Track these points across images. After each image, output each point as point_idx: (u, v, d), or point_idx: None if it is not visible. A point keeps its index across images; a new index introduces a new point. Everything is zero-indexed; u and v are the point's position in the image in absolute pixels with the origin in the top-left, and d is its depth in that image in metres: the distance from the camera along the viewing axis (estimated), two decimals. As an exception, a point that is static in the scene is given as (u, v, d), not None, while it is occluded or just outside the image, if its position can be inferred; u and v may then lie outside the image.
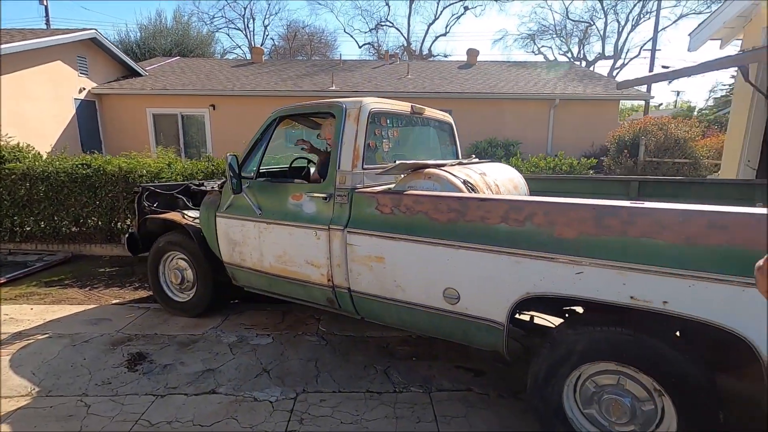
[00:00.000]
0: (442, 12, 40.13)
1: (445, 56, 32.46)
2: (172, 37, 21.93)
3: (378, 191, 2.46)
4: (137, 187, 4.03)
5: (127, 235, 3.95)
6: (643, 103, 18.49)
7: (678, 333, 1.84)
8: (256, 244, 2.94)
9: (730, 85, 27.22)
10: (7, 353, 3.03)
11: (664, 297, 1.64)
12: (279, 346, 3.17)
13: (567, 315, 2.40)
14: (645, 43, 27.80)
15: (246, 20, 33.10)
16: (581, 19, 29.51)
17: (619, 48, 28.61)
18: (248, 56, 22.72)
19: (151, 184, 4.22)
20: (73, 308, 3.88)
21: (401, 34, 32.66)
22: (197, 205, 4.04)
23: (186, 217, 3.62)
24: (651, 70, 20.17)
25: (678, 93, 37.04)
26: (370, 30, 33.16)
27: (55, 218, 5.64)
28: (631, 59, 30.21)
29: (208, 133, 12.05)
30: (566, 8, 31.35)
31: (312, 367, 2.87)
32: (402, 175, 2.65)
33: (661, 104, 30.75)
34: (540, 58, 29.07)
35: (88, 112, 11.29)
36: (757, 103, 4.46)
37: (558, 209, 1.87)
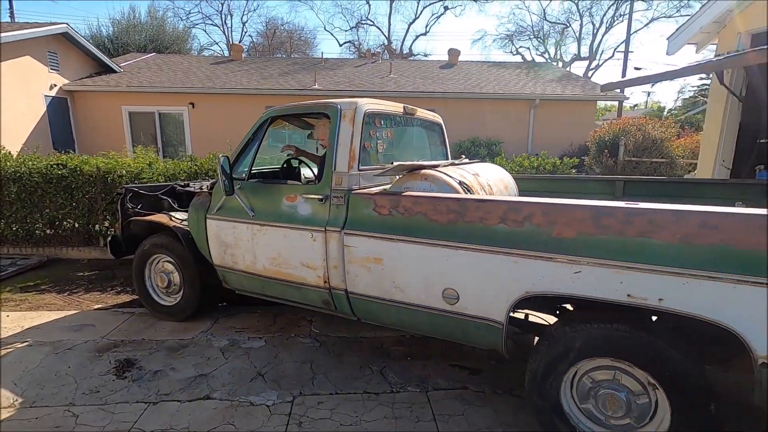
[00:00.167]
0: (422, 11, 40.33)
1: (425, 55, 32.64)
2: (147, 32, 21.32)
3: (375, 192, 2.46)
4: (120, 189, 3.91)
5: (109, 238, 3.83)
6: (615, 103, 19.05)
7: (671, 329, 1.90)
8: (248, 246, 2.90)
9: (698, 87, 28.36)
10: (-15, 363, 2.90)
11: (660, 294, 1.70)
12: (272, 348, 3.14)
13: (558, 312, 2.46)
14: (618, 45, 28.64)
15: (223, 16, 32.49)
16: (558, 21, 30.17)
17: (594, 49, 29.38)
18: (226, 53, 22.34)
19: (134, 185, 4.10)
20: (52, 314, 3.74)
21: (382, 32, 32.68)
22: (183, 207, 3.95)
23: (173, 219, 3.53)
24: (624, 71, 20.82)
25: (648, 94, 38.34)
26: (351, 28, 33.04)
27: (29, 220, 5.41)
28: (606, 60, 31.09)
29: (187, 132, 11.78)
30: (543, 10, 31.89)
31: (307, 370, 2.85)
32: (398, 177, 2.65)
33: (637, 105, 31.71)
34: (518, 59, 29.54)
35: (59, 109, 10.87)
36: (731, 105, 4.66)
37: (557, 210, 1.91)
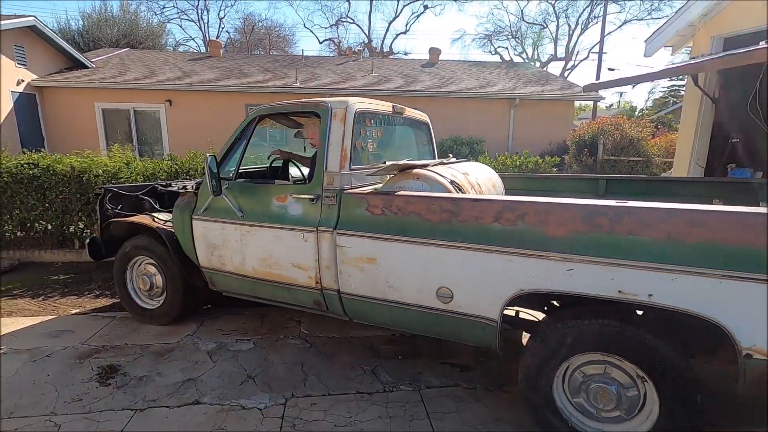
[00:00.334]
0: (402, 10, 40.35)
1: (406, 54, 32.71)
2: (120, 27, 20.62)
3: (368, 192, 2.45)
4: (98, 189, 3.78)
5: (88, 240, 3.70)
6: (590, 103, 19.54)
7: (659, 323, 1.96)
8: (237, 247, 2.85)
9: (668, 88, 29.37)
10: (-43, 373, 2.76)
11: (650, 290, 1.75)
12: (261, 351, 3.09)
13: (546, 309, 2.51)
14: (593, 46, 29.32)
15: (200, 11, 31.82)
16: (535, 22, 30.71)
17: (570, 50, 30.03)
18: (203, 49, 21.83)
19: (113, 185, 3.97)
20: (27, 320, 3.59)
21: (362, 30, 32.65)
22: (165, 207, 3.85)
23: (156, 220, 3.44)
24: (598, 72, 21.35)
25: (621, 94, 39.44)
26: (331, 26, 32.75)
27: (-2, 222, 5.17)
28: (581, 61, 31.81)
29: (164, 130, 11.47)
30: (521, 10, 32.38)
31: (298, 371, 2.83)
32: (389, 176, 2.65)
33: (612, 105, 32.58)
34: (497, 58, 29.95)
35: (28, 106, 10.42)
36: (704, 106, 4.85)
37: (550, 209, 1.94)
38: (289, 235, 2.62)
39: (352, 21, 32.41)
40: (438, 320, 2.28)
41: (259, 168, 3.73)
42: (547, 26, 30.34)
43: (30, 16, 10.17)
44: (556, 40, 30.55)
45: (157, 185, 4.03)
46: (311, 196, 2.57)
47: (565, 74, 29.40)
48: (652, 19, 27.76)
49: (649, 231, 1.76)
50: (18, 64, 10.09)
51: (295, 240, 2.60)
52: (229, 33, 32.92)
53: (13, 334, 3.32)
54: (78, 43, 18.07)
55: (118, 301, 3.95)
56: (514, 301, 2.12)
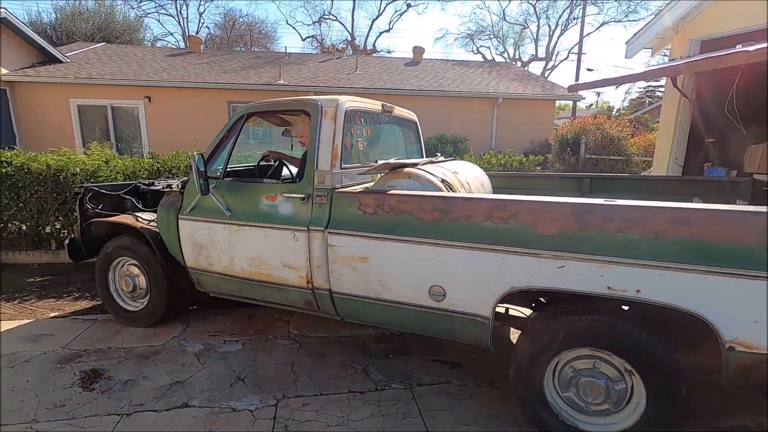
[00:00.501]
0: (385, 8, 40.29)
1: (389, 52, 32.69)
2: (95, 20, 20.00)
3: (360, 191, 2.44)
4: (78, 188, 3.66)
5: (67, 241, 3.58)
6: (569, 102, 19.93)
7: (646, 318, 2.02)
8: (225, 247, 2.80)
9: (644, 89, 30.15)
10: (-72, 381, 2.64)
11: (638, 286, 1.80)
12: (250, 351, 3.05)
13: (534, 305, 2.56)
14: (572, 47, 29.92)
15: (179, 6, 30.95)
16: (516, 22, 31.12)
17: (550, 50, 30.54)
18: (182, 44, 21.34)
19: (93, 184, 3.85)
20: (3, 324, 3.45)
21: (345, 28, 32.37)
22: (147, 207, 3.76)
23: (140, 219, 3.35)
24: (577, 72, 21.78)
25: (598, 94, 40.32)
26: (314, 23, 32.47)
27: (-32, 223, 4.96)
28: (561, 61, 32.42)
29: (143, 127, 11.19)
30: (503, 10, 32.78)
31: (289, 371, 2.80)
32: (379, 175, 2.65)
33: (592, 104, 33.25)
34: (479, 58, 30.24)
35: (-2, 101, 10.01)
36: (682, 107, 5.00)
37: (541, 207, 1.97)
38: (279, 234, 2.60)
39: (335, 18, 32.24)
40: (430, 318, 2.30)
41: (247, 167, 3.67)
42: (528, 26, 30.80)
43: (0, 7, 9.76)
44: (536, 41, 31.05)
45: (139, 184, 3.93)
46: (302, 195, 2.55)
47: (546, 74, 29.90)
48: (629, 21, 28.49)
49: (637, 229, 1.81)
50: (-13, 57, 9.69)
51: (286, 239, 2.57)
52: (209, 28, 32.26)
53: (-12, 339, 3.20)
54: (51, 37, 17.46)
55: (99, 303, 3.84)
56: (505, 299, 2.15)
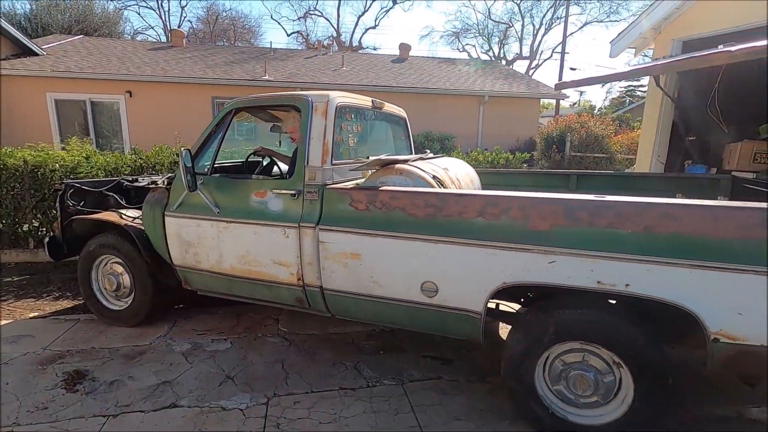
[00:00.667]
0: (371, 4, 40.19)
1: (375, 49, 32.58)
2: (72, 12, 19.38)
3: (351, 187, 2.43)
4: (59, 185, 3.55)
5: (47, 239, 3.48)
6: (552, 101, 20.22)
7: (633, 311, 2.05)
8: (214, 244, 2.76)
9: (624, 88, 30.76)
10: None
11: (627, 280, 1.84)
12: (239, 350, 3.01)
13: (522, 300, 2.59)
14: (556, 46, 30.40)
15: (160, -2, 30.22)
16: (501, 21, 31.37)
17: (534, 49, 30.89)
18: (163, 38, 20.85)
19: (75, 180, 3.74)
20: (-21, 326, 3.34)
21: (331, 24, 32.20)
22: (131, 203, 3.68)
23: (124, 216, 3.27)
24: (561, 71, 22.11)
25: (581, 93, 40.99)
26: (299, 18, 32.19)
27: (-60, 221, 4.77)
28: (545, 60, 32.84)
29: (124, 123, 10.91)
30: (488, 9, 33.03)
31: (279, 369, 2.78)
32: (370, 171, 2.64)
33: (575, 103, 33.77)
34: (464, 56, 30.40)
35: (-31, 95, 9.63)
36: (665, 106, 5.12)
37: (532, 203, 1.99)
38: (269, 231, 2.56)
39: (320, 14, 32.05)
40: (423, 314, 2.30)
41: (235, 163, 3.62)
42: (512, 25, 31.08)
43: (-29, -3, 9.38)
44: (521, 40, 31.36)
45: (122, 180, 3.83)
46: (292, 192, 2.52)
47: (530, 73, 30.24)
48: (610, 21, 29.02)
49: (626, 224, 1.84)
50: (-43, 49, 9.31)
51: (276, 236, 2.55)
52: (191, 22, 31.67)
53: (-37, 341, 3.09)
54: (26, 29, 16.87)
55: (81, 302, 3.75)
56: (496, 294, 2.17)
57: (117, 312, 3.37)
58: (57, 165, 4.87)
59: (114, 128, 11.05)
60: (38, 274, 4.66)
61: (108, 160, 5.12)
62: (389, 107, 3.42)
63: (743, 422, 2.29)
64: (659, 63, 3.88)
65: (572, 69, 26.50)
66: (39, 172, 4.80)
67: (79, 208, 3.51)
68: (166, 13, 30.29)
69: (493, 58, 29.54)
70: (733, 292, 1.70)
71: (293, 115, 2.87)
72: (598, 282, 1.88)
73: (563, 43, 22.31)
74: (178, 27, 27.02)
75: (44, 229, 5.00)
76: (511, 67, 24.57)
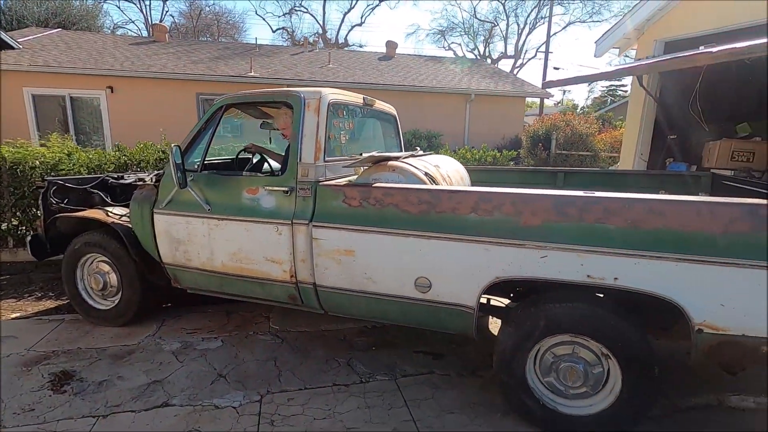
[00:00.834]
0: (357, 2, 39.99)
1: (360, 46, 32.51)
2: (48, 5, 18.79)
3: (345, 184, 2.43)
4: (41, 182, 3.46)
5: (29, 238, 3.39)
6: (536, 99, 20.49)
7: (621, 304, 2.11)
8: (204, 242, 2.73)
9: (606, 87, 31.34)
10: None
11: (615, 274, 1.89)
12: (231, 348, 3.00)
13: (512, 295, 2.63)
14: (540, 46, 30.76)
15: (141, -8, 29.53)
16: (487, 20, 31.61)
17: (519, 48, 31.23)
18: (144, 33, 20.39)
19: (58, 177, 3.65)
20: (-42, 327, 3.24)
21: (316, 21, 31.93)
22: (117, 201, 3.61)
23: (110, 214, 3.21)
24: (545, 70, 22.40)
25: (564, 92, 41.61)
26: (284, 14, 31.81)
27: None
28: (529, 59, 33.23)
29: (105, 119, 10.65)
30: (474, 8, 33.25)
31: (272, 367, 2.77)
32: (363, 168, 2.64)
33: (559, 102, 34.23)
34: (450, 54, 30.56)
35: (-59, 89, 9.27)
36: (647, 105, 5.25)
37: (524, 199, 2.03)
38: (261, 228, 2.55)
39: (306, 11, 31.77)
40: (416, 310, 2.32)
41: (225, 160, 3.58)
42: (497, 24, 31.36)
43: (-58, -13, 9.02)
44: (506, 39, 31.67)
45: (107, 178, 3.75)
46: (285, 188, 2.51)
47: (515, 71, 30.57)
48: (593, 21, 29.51)
49: (614, 219, 1.89)
50: (-72, 41, 8.93)
51: (268, 233, 2.54)
52: (173, 17, 31.11)
53: (-58, 343, 2.99)
54: (-1, 21, 16.31)
55: (65, 302, 3.67)
56: (488, 289, 2.21)
57: (104, 311, 3.31)
58: (37, 162, 4.74)
59: (95, 124, 10.79)
60: (19, 273, 4.54)
61: (91, 157, 5.00)
62: (380, 104, 3.43)
63: (723, 410, 2.38)
64: (643, 63, 3.98)
65: (556, 68, 26.92)
66: (18, 169, 4.66)
67: (62, 205, 3.43)
68: (147, 6, 29.66)
69: (478, 57, 29.77)
70: (716, 285, 1.76)
71: (285, 111, 2.85)
72: (588, 276, 1.93)
73: (547, 42, 22.60)
74: (160, 21, 26.52)
75: (24, 227, 4.87)
76: (496, 65, 24.79)
